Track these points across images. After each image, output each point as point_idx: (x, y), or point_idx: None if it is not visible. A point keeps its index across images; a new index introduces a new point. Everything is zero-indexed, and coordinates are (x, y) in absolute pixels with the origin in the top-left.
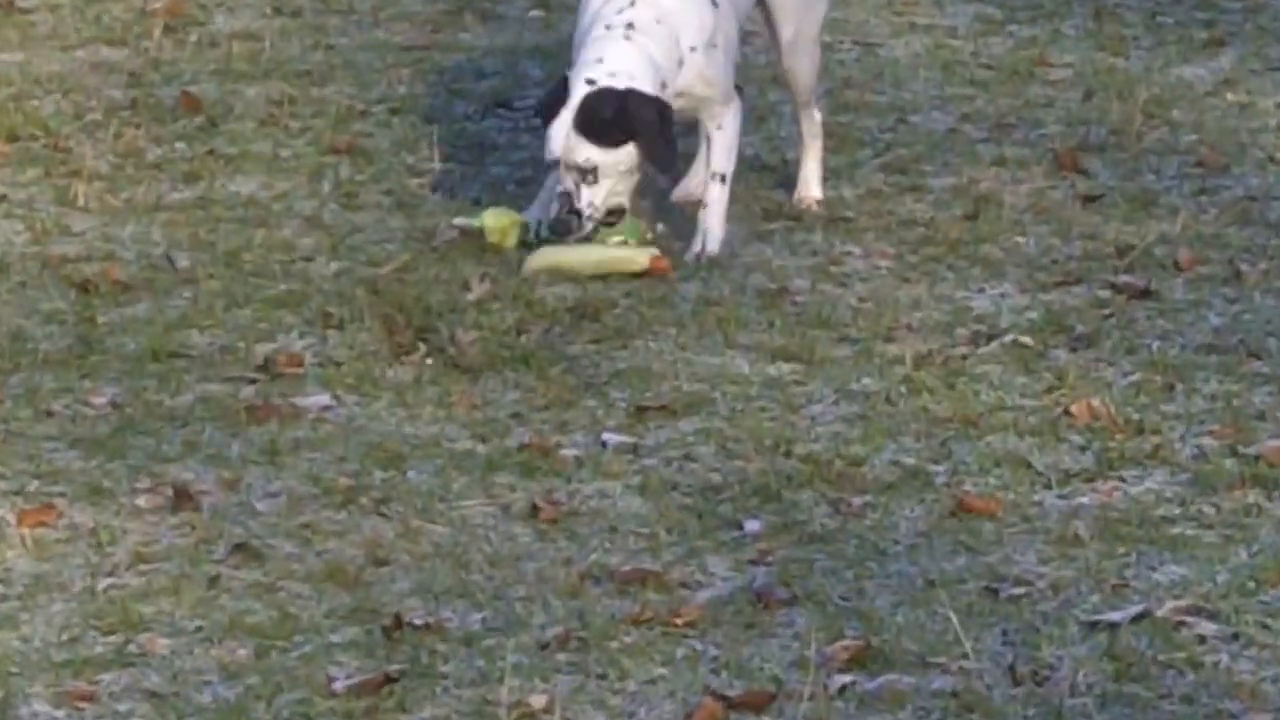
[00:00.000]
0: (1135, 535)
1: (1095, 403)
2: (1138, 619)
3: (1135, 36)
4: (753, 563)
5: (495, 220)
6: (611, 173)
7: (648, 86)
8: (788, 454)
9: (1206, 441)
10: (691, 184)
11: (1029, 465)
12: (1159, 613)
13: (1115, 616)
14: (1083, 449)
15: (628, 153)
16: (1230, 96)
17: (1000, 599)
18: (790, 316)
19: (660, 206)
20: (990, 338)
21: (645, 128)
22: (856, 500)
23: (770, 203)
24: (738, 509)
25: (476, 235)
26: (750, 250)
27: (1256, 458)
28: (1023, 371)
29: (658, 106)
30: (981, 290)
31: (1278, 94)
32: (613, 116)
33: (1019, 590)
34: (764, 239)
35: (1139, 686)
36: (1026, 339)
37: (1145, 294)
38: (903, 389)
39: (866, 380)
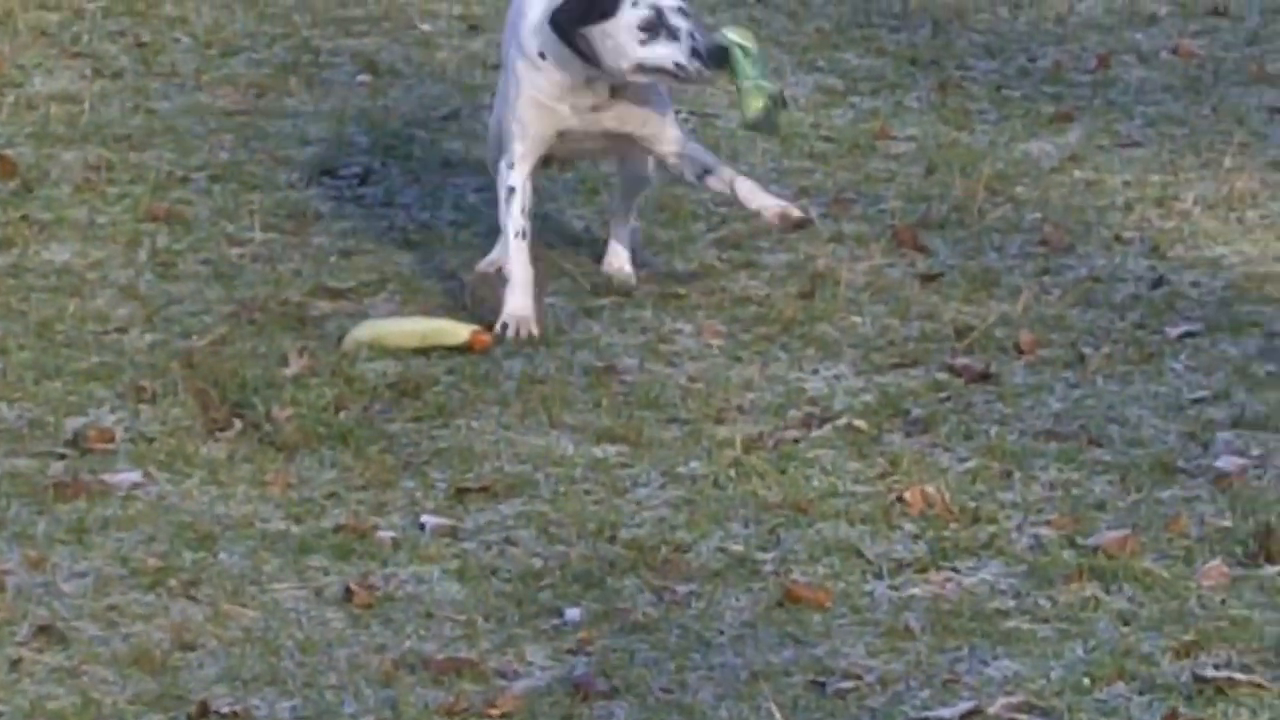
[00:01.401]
0: (968, 628)
1: (930, 490)
2: (968, 716)
3: (980, 110)
4: (572, 652)
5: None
6: None
7: None
8: (611, 539)
9: (1044, 531)
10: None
11: (860, 554)
12: (990, 710)
13: (945, 713)
14: (916, 538)
15: None
16: (1077, 173)
17: (827, 693)
18: (617, 396)
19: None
20: (823, 421)
21: None
22: (681, 588)
23: (600, 277)
24: (558, 596)
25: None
26: (577, 327)
27: (1095, 549)
28: (856, 456)
29: None
30: (815, 371)
31: (1125, 171)
32: None
33: (847, 684)
34: (592, 315)
35: None
36: (861, 422)
37: (984, 377)
38: (732, 473)
39: (695, 463)
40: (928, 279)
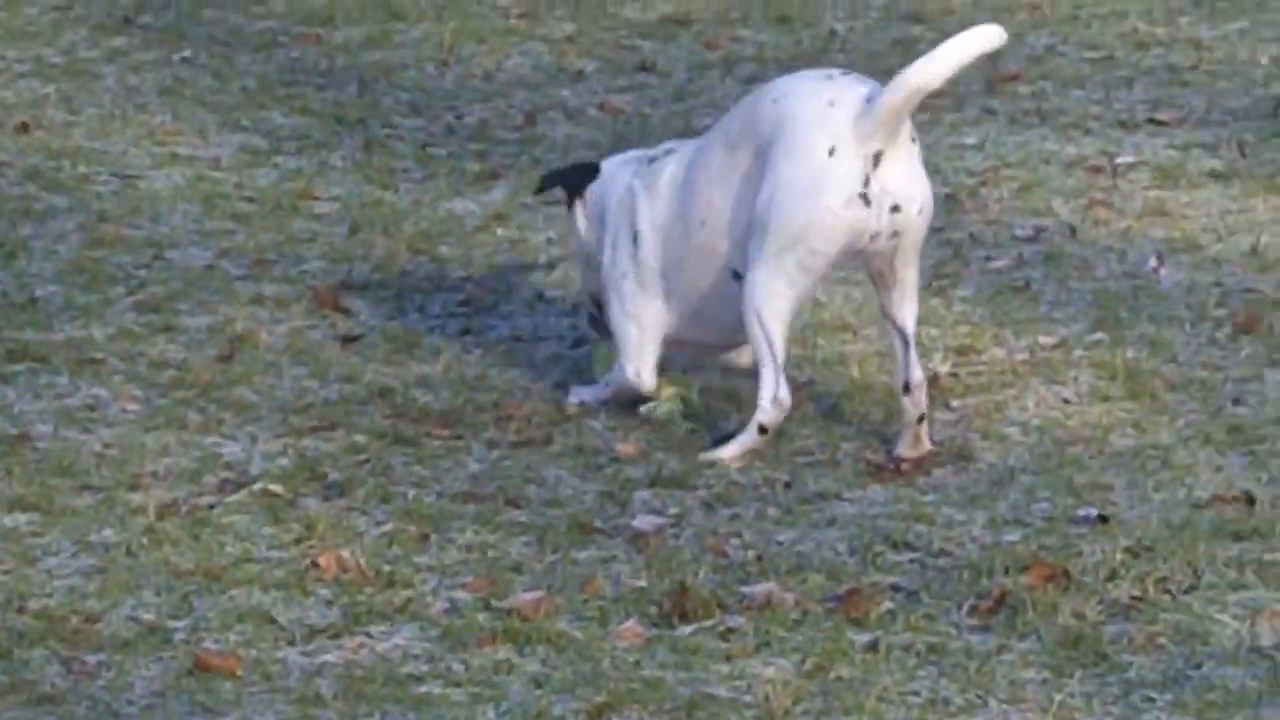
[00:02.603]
0: (380, 694)
1: (345, 554)
2: None
3: (405, 169)
4: None
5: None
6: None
7: None
8: (20, 610)
9: (459, 595)
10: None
11: (273, 620)
12: None
13: None
14: (330, 603)
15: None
16: (500, 231)
17: None
18: (30, 464)
19: None
20: (239, 486)
21: None
22: (91, 658)
23: (16, 343)
24: None
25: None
26: None
27: (509, 611)
28: (271, 521)
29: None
30: (233, 436)
31: (549, 229)
32: None
33: None
34: (7, 381)
35: None
36: (277, 487)
37: (403, 440)
38: (145, 540)
39: (108, 531)
40: (349, 340)
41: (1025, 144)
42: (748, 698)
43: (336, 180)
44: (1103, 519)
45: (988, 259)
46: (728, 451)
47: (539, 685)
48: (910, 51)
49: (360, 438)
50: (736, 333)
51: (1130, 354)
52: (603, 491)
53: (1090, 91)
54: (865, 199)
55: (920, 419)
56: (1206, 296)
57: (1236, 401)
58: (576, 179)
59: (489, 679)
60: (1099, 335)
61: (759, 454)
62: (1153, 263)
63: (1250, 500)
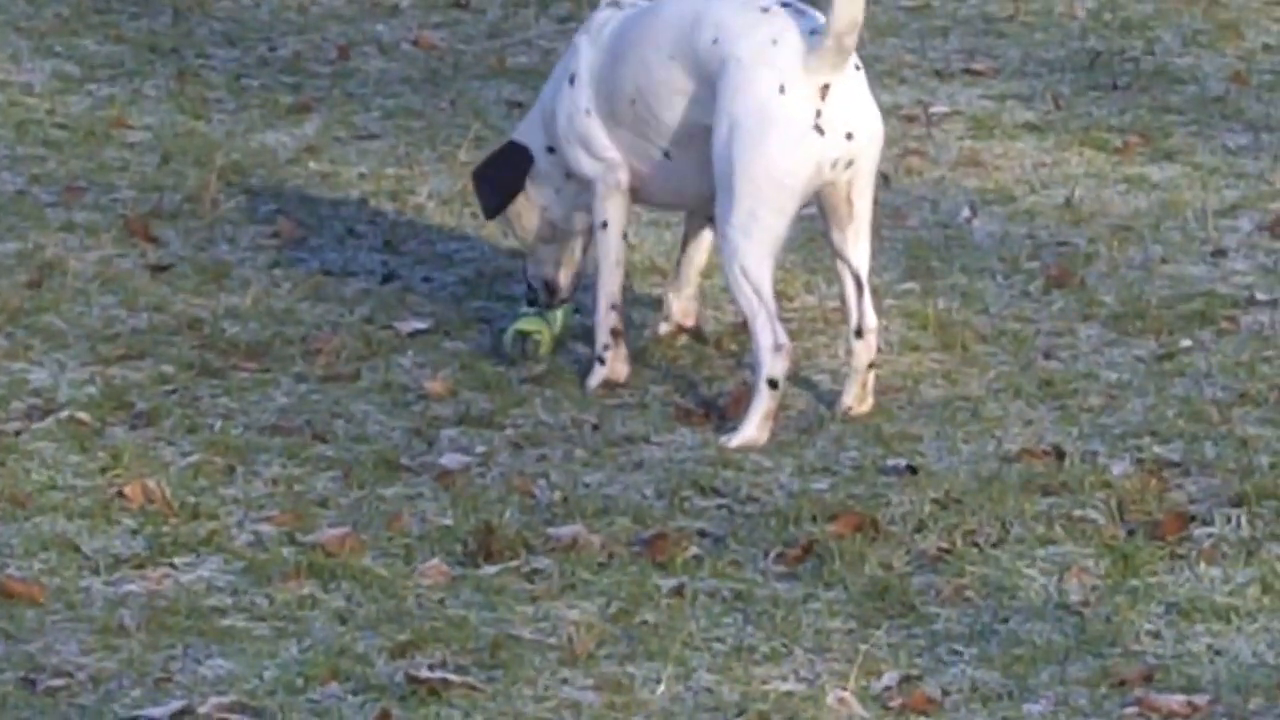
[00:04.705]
0: (183, 626)
1: (151, 484)
2: (178, 715)
3: (218, 99)
4: None
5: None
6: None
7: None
8: None
9: (265, 528)
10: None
11: (77, 549)
12: (201, 709)
13: (155, 713)
14: (134, 533)
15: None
16: (313, 165)
17: (37, 691)
18: None
19: None
20: (46, 413)
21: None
22: None
23: None
24: None
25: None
26: None
27: (315, 546)
28: (78, 450)
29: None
30: (41, 363)
31: (362, 163)
32: None
33: (58, 682)
34: None
35: None
36: (84, 415)
37: (211, 371)
38: None
39: None
40: (158, 270)
41: None
42: (552, 640)
43: (149, 109)
44: (911, 469)
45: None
46: (749, 429)
47: (343, 621)
48: None
49: (168, 368)
50: (671, 197)
51: (941, 304)
52: (410, 428)
53: (905, 40)
54: (819, 130)
55: (870, 365)
56: (1019, 249)
57: (1048, 355)
58: (516, 174)
59: (292, 614)
60: (910, 285)
61: (568, 396)
62: (965, 213)
63: (1060, 454)
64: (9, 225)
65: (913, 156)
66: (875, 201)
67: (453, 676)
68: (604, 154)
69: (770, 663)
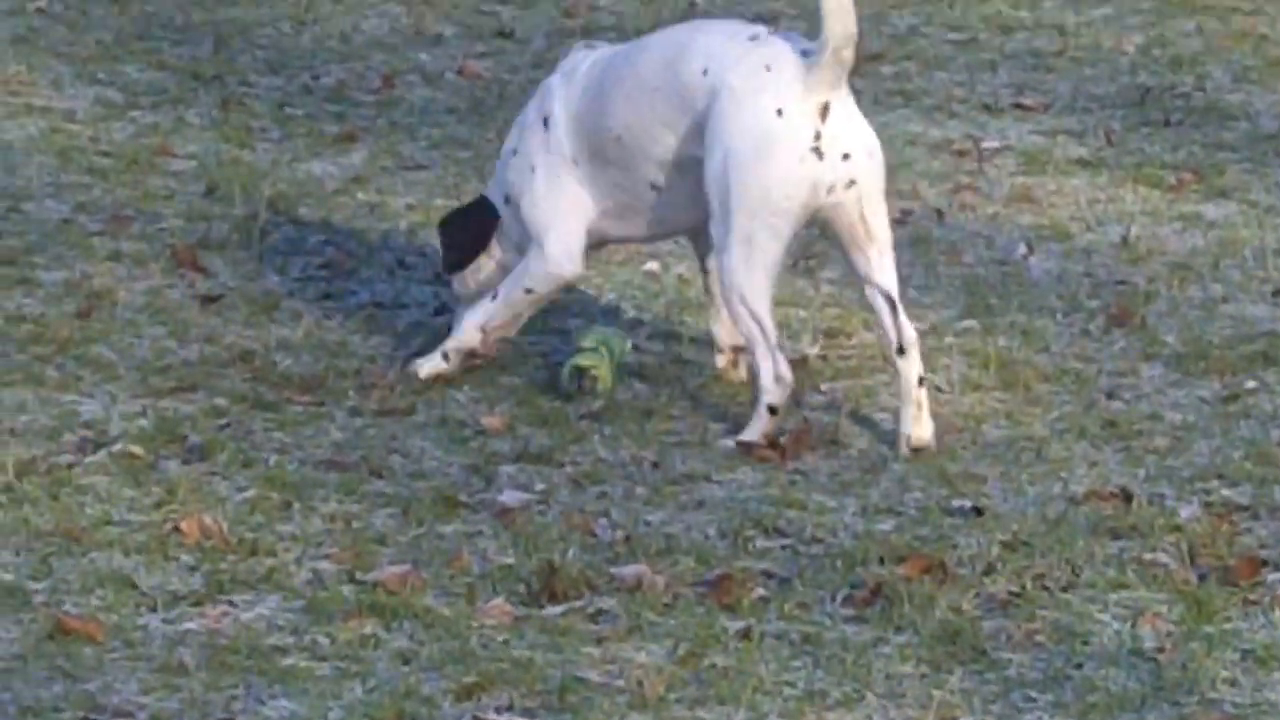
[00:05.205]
0: (244, 665)
1: (207, 520)
2: None
3: (263, 128)
4: None
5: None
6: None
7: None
8: None
9: (323, 565)
10: None
11: (134, 586)
12: None
13: None
14: (192, 569)
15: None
16: (360, 195)
17: None
18: None
19: None
20: (99, 446)
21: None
22: None
23: None
24: None
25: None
26: None
27: (375, 585)
28: (131, 484)
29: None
30: (91, 395)
31: (409, 194)
32: None
33: None
34: None
35: None
36: (137, 448)
37: (264, 404)
38: (3, 499)
39: None
40: (208, 300)
41: (889, 125)
42: (619, 682)
43: (193, 137)
44: (977, 511)
45: None
46: (748, 437)
47: (406, 662)
48: (771, 24)
49: (221, 400)
50: (662, 226)
51: (1002, 342)
52: (468, 464)
53: (954, 74)
54: (818, 153)
55: (920, 382)
56: (1078, 287)
57: (1110, 395)
58: (483, 230)
59: (355, 654)
60: (970, 323)
61: (626, 433)
62: (1021, 250)
63: (1127, 497)
64: (56, 254)
65: (965, 192)
66: (893, 222)
67: None
68: (563, 221)
69: (843, 708)
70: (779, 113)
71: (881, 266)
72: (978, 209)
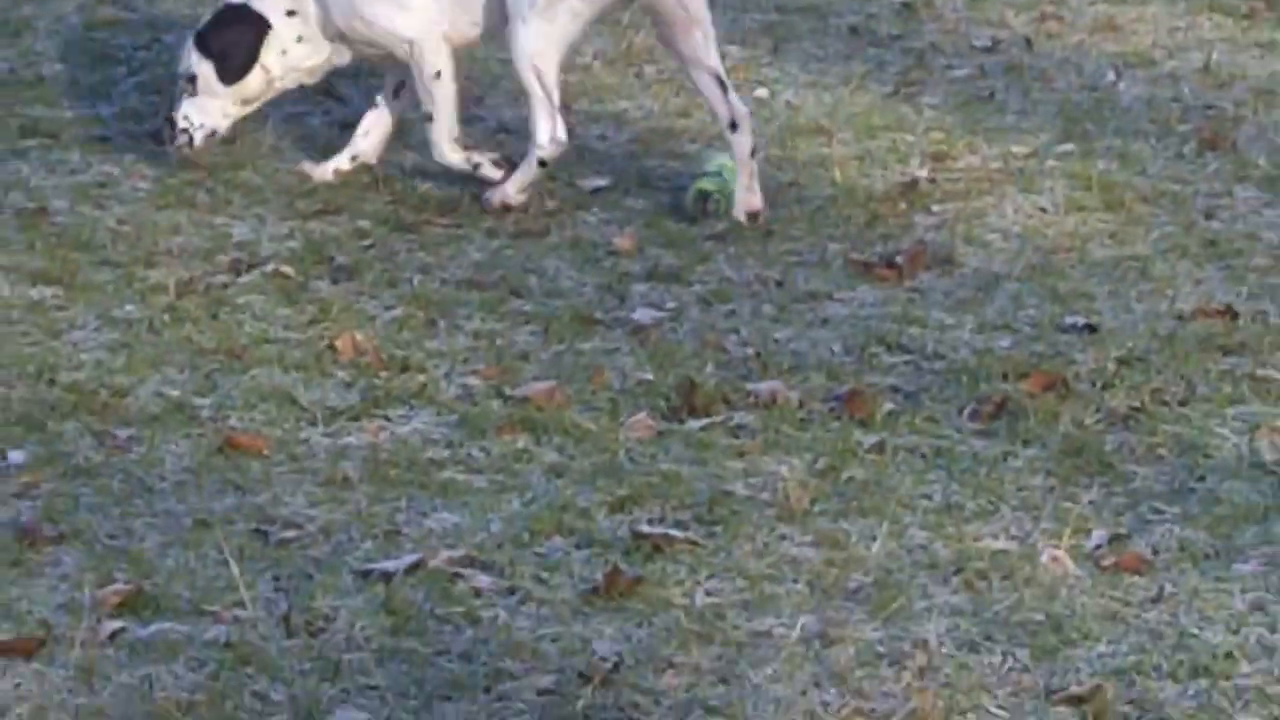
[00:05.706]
0: (404, 479)
1: (359, 337)
2: (412, 569)
3: None
4: (18, 496)
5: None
6: (209, 87)
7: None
8: (52, 382)
9: (472, 381)
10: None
11: (294, 401)
12: (433, 563)
13: (389, 566)
14: (348, 385)
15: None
16: None
17: (271, 543)
18: (50, 238)
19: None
20: (251, 266)
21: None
22: (122, 433)
23: (27, 119)
24: (2, 439)
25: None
26: (6, 168)
27: (524, 400)
28: (286, 303)
29: (252, 24)
30: (241, 217)
31: None
32: (212, 28)
33: (290, 534)
34: (21, 156)
35: (417, 641)
36: (288, 268)
37: (405, 226)
38: (166, 317)
39: (130, 307)
40: (345, 127)
41: None
42: (764, 495)
43: None
44: (1091, 328)
45: (949, 68)
46: (512, 187)
47: (559, 475)
48: None
49: (364, 223)
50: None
51: (1101, 165)
52: (601, 284)
53: None
54: None
55: (752, 153)
56: (1168, 112)
57: (1209, 215)
58: (255, 41)
59: (509, 467)
60: (1069, 146)
61: (750, 253)
62: (1110, 76)
63: (1233, 315)
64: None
65: (1051, 21)
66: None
67: (674, 532)
68: (421, 10)
69: (979, 520)
70: None
71: (707, 48)
72: (1063, 37)
